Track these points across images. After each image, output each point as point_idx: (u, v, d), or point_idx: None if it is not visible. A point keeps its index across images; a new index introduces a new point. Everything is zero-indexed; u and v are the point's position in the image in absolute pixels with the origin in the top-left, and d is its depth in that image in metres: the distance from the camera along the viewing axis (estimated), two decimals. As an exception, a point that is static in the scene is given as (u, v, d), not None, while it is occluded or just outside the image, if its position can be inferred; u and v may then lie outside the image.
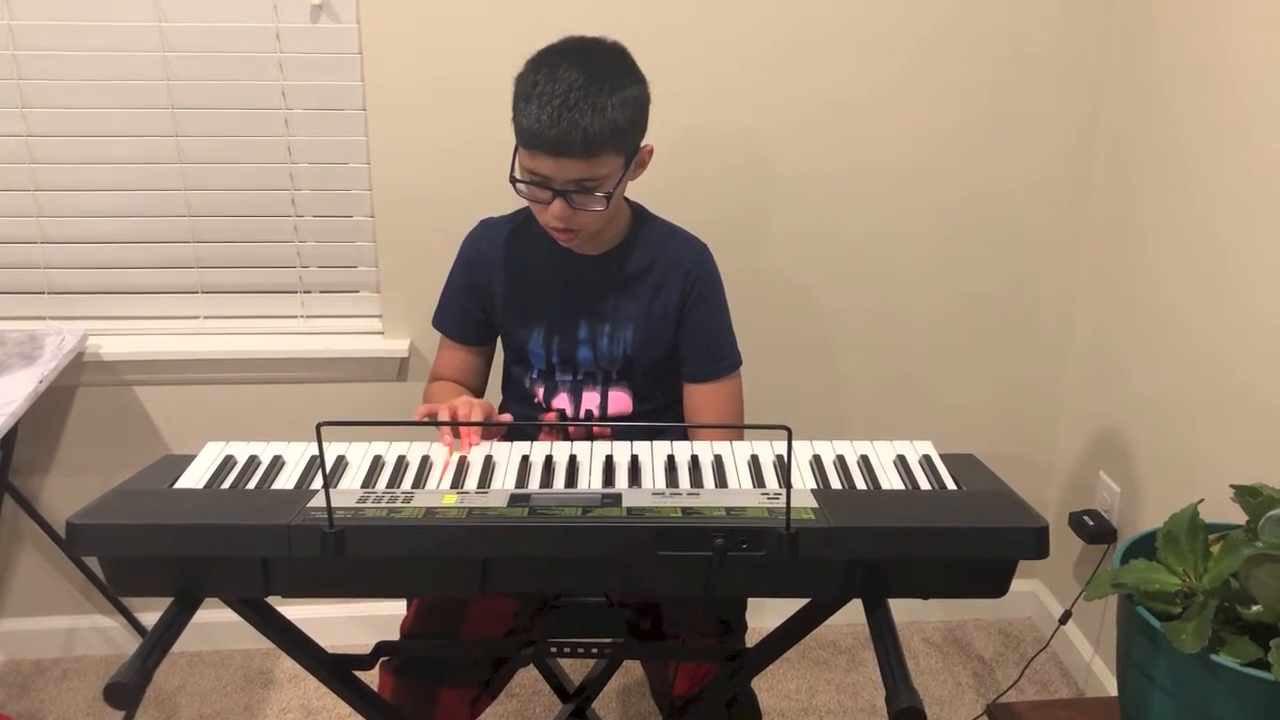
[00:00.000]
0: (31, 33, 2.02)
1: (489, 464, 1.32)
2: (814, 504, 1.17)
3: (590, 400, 1.70)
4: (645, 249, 1.68)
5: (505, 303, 1.71)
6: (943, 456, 1.34)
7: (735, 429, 1.66)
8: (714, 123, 2.13)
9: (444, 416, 1.42)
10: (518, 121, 1.49)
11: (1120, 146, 2.14)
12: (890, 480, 1.29)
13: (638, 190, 1.68)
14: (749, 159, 2.17)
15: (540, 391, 1.71)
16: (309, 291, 2.24)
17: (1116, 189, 2.16)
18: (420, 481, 1.28)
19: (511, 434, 1.73)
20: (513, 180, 1.53)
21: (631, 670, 2.29)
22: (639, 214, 1.72)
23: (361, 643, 1.84)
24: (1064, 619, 2.26)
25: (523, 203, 1.64)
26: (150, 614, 2.36)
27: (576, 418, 1.70)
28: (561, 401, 1.70)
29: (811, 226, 2.23)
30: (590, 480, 1.29)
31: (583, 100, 1.44)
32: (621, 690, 2.31)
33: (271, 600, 1.27)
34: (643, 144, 1.57)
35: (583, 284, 1.68)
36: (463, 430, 1.40)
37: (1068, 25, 2.13)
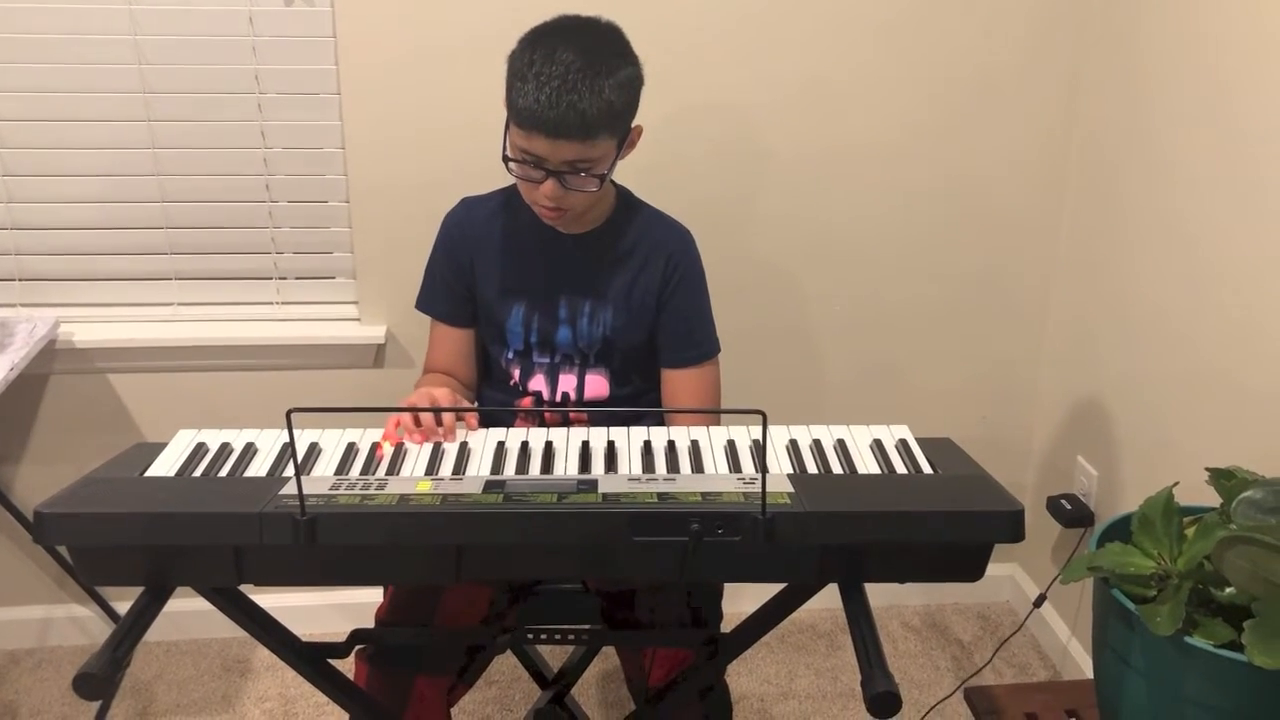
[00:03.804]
0: (-2, 15, 1.99)
1: (464, 450, 1.31)
2: (790, 488, 1.17)
3: (567, 383, 1.69)
4: (629, 231, 1.68)
5: (486, 280, 1.69)
6: (919, 440, 1.34)
7: (711, 414, 1.65)
8: (692, 105, 2.12)
9: (405, 417, 1.37)
10: (513, 101, 1.46)
11: (1097, 132, 2.14)
12: (866, 464, 1.29)
13: (618, 172, 1.67)
14: (727, 142, 2.16)
15: (516, 373, 1.70)
16: (284, 278, 2.22)
17: (1093, 174, 2.16)
18: (394, 468, 1.27)
19: (486, 419, 1.72)
20: (505, 159, 1.52)
21: (610, 657, 2.29)
22: (624, 196, 1.71)
23: (337, 631, 1.82)
24: (1039, 602, 2.27)
25: (502, 183, 1.62)
26: (126, 603, 2.34)
27: (553, 400, 1.69)
28: (538, 383, 1.69)
29: (790, 211, 2.23)
30: (566, 466, 1.28)
31: (581, 82, 1.42)
32: (600, 676, 2.31)
33: (245, 588, 1.25)
34: (632, 124, 1.56)
35: (565, 262, 1.67)
36: (445, 419, 1.38)
37: (1046, 9, 2.12)
